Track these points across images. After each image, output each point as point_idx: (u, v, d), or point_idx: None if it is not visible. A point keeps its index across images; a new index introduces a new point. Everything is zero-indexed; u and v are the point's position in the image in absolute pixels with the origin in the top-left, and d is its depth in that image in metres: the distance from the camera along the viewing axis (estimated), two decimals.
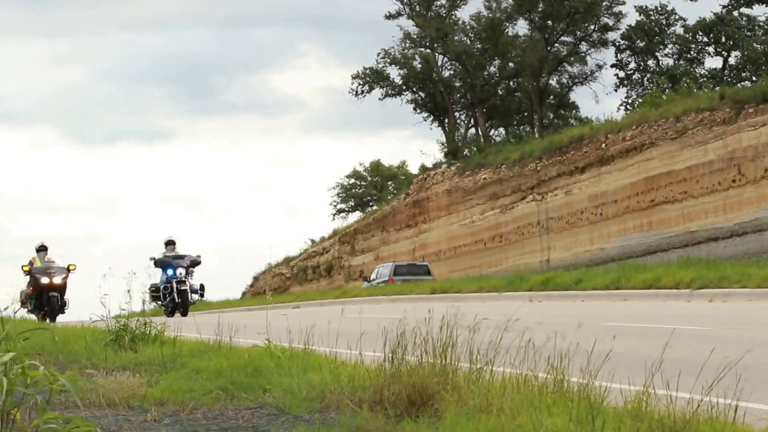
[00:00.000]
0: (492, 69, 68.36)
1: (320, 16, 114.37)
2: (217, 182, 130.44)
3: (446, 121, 69.07)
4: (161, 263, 31.12)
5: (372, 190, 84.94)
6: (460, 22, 68.23)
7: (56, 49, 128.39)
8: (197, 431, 7.79)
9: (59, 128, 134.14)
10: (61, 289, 29.85)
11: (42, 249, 30.98)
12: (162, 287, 30.55)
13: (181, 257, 31.36)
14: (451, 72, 69.00)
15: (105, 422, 7.86)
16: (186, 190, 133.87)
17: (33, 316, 29.86)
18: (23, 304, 29.24)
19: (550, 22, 64.37)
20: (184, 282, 30.83)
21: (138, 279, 13.92)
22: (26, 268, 30.05)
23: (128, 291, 13.82)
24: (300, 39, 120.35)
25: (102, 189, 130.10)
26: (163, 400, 8.95)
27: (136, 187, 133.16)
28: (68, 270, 30.10)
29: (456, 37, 67.42)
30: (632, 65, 65.25)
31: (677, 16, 63.97)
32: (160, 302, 30.80)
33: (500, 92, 69.45)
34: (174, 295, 30.48)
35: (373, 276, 50.74)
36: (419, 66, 69.23)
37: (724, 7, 61.47)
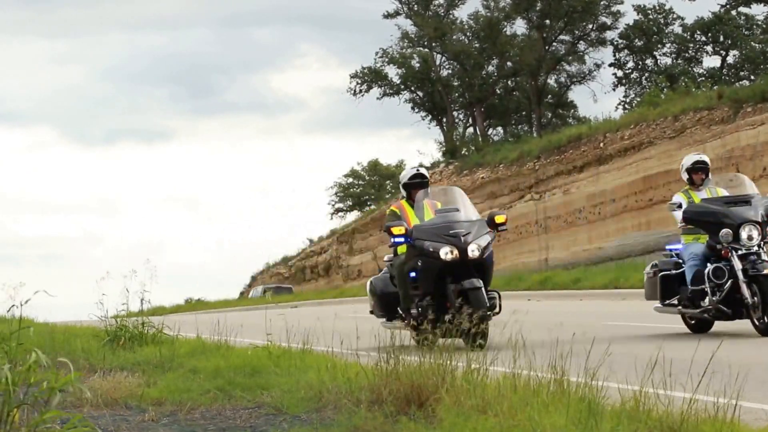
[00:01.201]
0: (490, 68, 68.40)
1: (320, 16, 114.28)
2: (217, 182, 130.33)
3: (444, 120, 69.09)
4: (698, 214, 14.99)
5: (370, 189, 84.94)
6: (458, 21, 68.28)
7: (56, 49, 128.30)
8: (195, 431, 7.79)
9: (59, 128, 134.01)
10: (484, 268, 14.15)
11: (416, 183, 15.09)
12: (710, 271, 14.40)
13: (746, 199, 14.98)
14: (450, 71, 69.03)
15: (103, 422, 7.86)
16: (186, 190, 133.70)
17: (398, 331, 11.86)
18: (384, 305, 14.96)
19: (548, 21, 64.41)
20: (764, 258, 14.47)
21: (137, 278, 13.71)
22: (399, 230, 14.23)
23: (127, 290, 13.63)
24: (300, 39, 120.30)
25: (102, 189, 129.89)
26: (161, 400, 8.94)
27: (136, 187, 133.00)
28: (494, 225, 14.41)
29: (454, 37, 67.44)
30: (630, 64, 65.31)
31: (675, 15, 64.03)
32: (687, 303, 14.83)
33: (498, 91, 69.47)
34: (743, 287, 14.13)
35: (252, 294, 63.49)
36: (417, 65, 69.26)
37: (722, 6, 61.52)
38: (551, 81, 67.65)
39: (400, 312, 14.61)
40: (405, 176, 15.33)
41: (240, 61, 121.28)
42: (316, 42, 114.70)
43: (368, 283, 15.56)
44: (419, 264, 14.16)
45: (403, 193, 15.19)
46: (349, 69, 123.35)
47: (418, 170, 15.33)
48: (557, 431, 6.48)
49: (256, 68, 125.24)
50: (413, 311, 14.10)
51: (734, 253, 14.39)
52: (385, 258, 15.50)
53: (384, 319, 14.92)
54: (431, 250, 14.04)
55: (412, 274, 14.24)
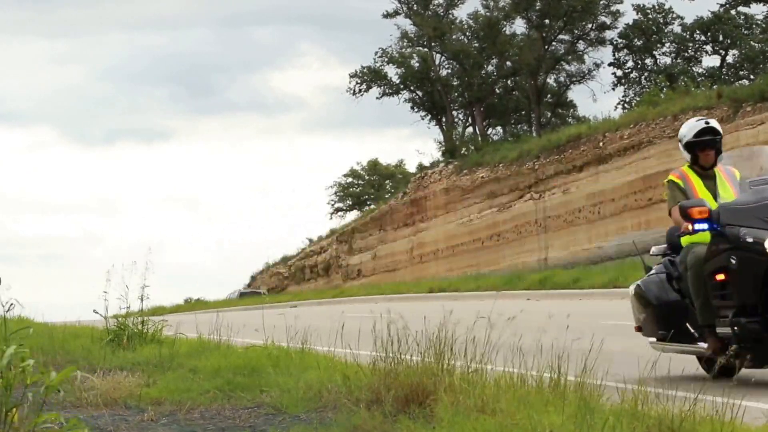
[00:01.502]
0: (489, 68, 68.42)
1: (320, 16, 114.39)
2: (217, 182, 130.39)
3: (444, 120, 69.09)
4: None
5: (370, 189, 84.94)
6: (457, 20, 68.33)
7: (56, 49, 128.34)
8: (194, 431, 7.79)
9: (59, 128, 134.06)
10: None
11: (706, 141, 10.33)
12: None
13: None
14: (449, 71, 69.06)
15: (102, 422, 7.86)
16: (186, 190, 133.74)
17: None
18: (662, 319, 10.48)
19: (547, 21, 64.43)
20: None
21: (137, 272, 13.57)
22: (702, 212, 9.58)
23: (126, 286, 13.54)
24: (300, 38, 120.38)
25: (102, 189, 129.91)
26: (161, 400, 8.94)
27: (136, 187, 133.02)
28: None
29: (453, 36, 67.45)
30: (630, 64, 65.34)
31: (675, 15, 64.08)
32: None
33: (498, 91, 69.47)
34: None
35: (228, 297, 65.64)
36: (417, 65, 69.27)
37: (721, 5, 61.55)
38: (551, 80, 67.68)
39: (693, 330, 10.28)
40: (688, 132, 10.49)
41: (240, 60, 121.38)
42: (316, 42, 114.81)
43: (633, 287, 11.03)
44: (732, 261, 9.58)
45: (686, 156, 10.52)
46: (348, 68, 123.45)
47: (707, 122, 10.48)
48: (556, 430, 6.48)
49: (256, 68, 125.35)
50: (720, 330, 9.77)
51: None
52: (653, 251, 11.17)
53: (657, 339, 10.67)
54: (751, 240, 9.41)
55: (720, 277, 9.72)
